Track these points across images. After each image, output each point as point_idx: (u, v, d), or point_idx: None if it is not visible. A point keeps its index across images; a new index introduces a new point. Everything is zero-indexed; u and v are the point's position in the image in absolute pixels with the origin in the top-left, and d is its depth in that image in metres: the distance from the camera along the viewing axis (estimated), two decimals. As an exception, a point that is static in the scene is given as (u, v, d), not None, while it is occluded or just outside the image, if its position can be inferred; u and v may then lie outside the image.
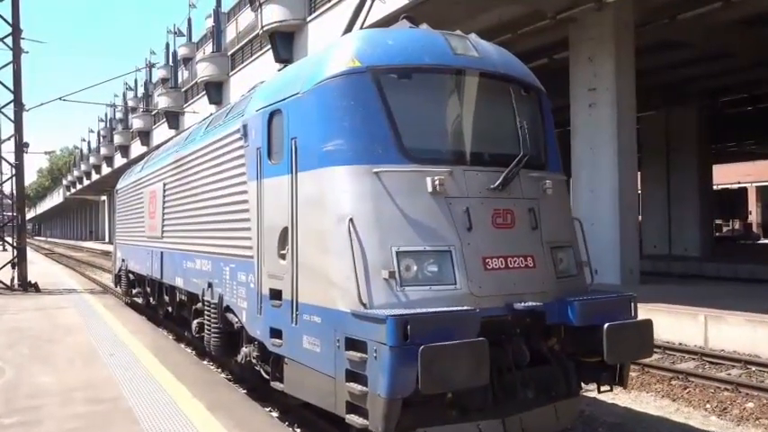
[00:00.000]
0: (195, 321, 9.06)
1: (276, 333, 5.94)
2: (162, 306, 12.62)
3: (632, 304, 5.42)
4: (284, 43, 21.16)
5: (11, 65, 18.58)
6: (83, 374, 7.35)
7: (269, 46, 22.84)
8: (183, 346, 11.13)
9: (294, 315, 5.56)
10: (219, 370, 9.48)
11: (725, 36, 17.22)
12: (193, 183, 8.90)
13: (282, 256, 5.87)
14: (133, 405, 5.98)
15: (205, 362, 9.79)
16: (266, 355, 6.38)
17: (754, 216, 42.52)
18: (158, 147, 24.05)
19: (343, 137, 5.16)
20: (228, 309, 7.39)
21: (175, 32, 38.33)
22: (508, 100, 5.58)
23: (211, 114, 10.50)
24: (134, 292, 14.90)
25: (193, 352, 10.69)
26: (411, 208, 4.97)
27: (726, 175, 39.80)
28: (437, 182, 4.97)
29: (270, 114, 6.18)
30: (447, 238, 4.95)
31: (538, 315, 5.11)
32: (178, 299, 10.43)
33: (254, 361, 6.76)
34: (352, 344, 4.74)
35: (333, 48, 5.71)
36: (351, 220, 4.90)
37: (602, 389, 5.50)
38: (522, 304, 4.92)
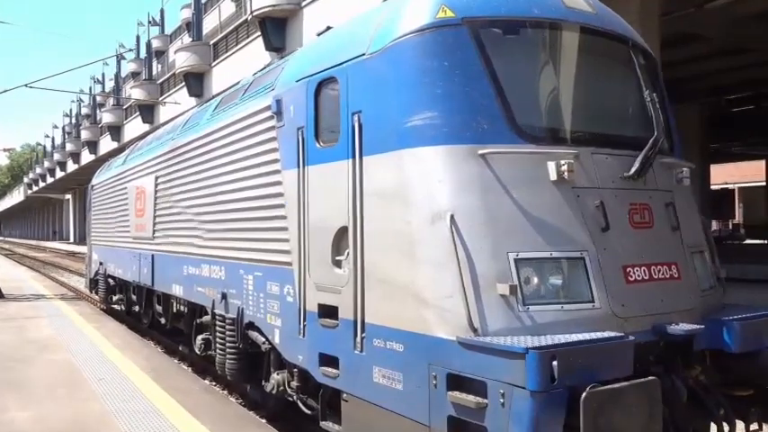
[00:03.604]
0: (200, 337, 7.73)
1: (329, 360, 4.69)
2: (148, 316, 11.21)
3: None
4: (276, 30, 19.71)
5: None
6: (69, 408, 5.94)
7: (257, 34, 21.38)
8: (177, 361, 9.74)
9: (359, 339, 4.32)
10: (226, 392, 8.14)
11: (744, 30, 16.48)
12: (199, 174, 7.54)
13: (338, 264, 4.62)
14: (144, 456, 4.65)
15: (207, 381, 8.45)
16: (311, 387, 5.12)
17: (737, 217, 42.74)
18: (132, 141, 22.43)
19: (436, 108, 3.94)
20: (252, 326, 6.08)
21: (150, 22, 36.46)
22: (632, 67, 4.45)
23: (218, 95, 9.12)
24: (114, 298, 13.40)
25: (190, 368, 9.33)
26: (530, 201, 3.78)
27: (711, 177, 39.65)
28: (564, 167, 3.78)
29: (318, 84, 4.92)
30: (578, 242, 3.77)
31: (684, 339, 3.97)
32: (175, 309, 9.05)
33: (290, 391, 5.48)
34: (460, 383, 3.55)
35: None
36: (452, 217, 3.69)
37: (751, 428, 4.38)
38: (679, 327, 3.77)
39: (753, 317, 4.14)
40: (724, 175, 40.54)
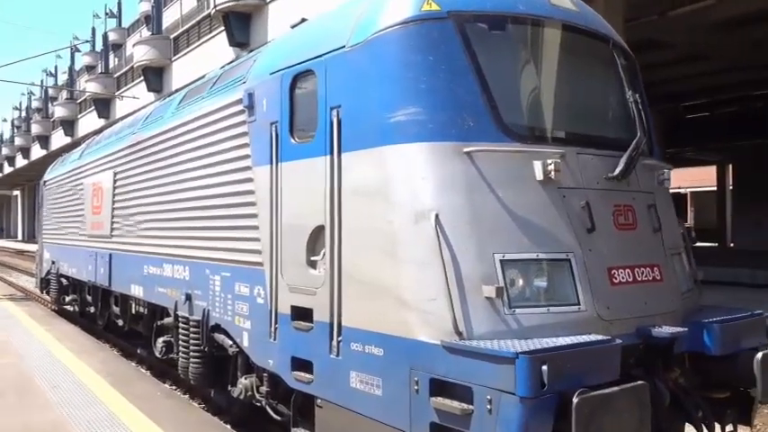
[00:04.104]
0: (161, 340, 7.41)
1: (302, 365, 4.50)
2: (104, 317, 10.76)
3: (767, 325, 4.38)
4: (240, 25, 19.28)
5: None
6: (19, 418, 5.57)
7: (220, 29, 20.90)
8: (135, 365, 9.34)
9: (335, 343, 4.15)
10: (188, 397, 7.84)
11: (707, 37, 16.87)
12: (162, 171, 7.23)
13: (313, 264, 4.45)
14: (104, 468, 4.37)
15: (168, 385, 8.12)
16: (282, 392, 4.92)
17: (688, 221, 44.15)
18: (88, 136, 21.63)
19: (420, 103, 3.81)
20: (218, 328, 5.83)
21: (107, 14, 35.31)
22: (614, 67, 4.41)
23: (182, 88, 8.79)
24: (67, 299, 12.83)
25: (149, 372, 8.96)
26: (515, 201, 3.69)
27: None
28: (550, 167, 3.70)
29: (293, 77, 4.73)
30: (564, 243, 3.69)
31: (666, 342, 3.94)
32: (134, 311, 8.67)
33: (258, 396, 5.26)
34: (443, 388, 3.42)
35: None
36: (437, 216, 3.56)
37: (727, 429, 4.39)
38: (663, 330, 3.74)
39: (731, 319, 4.14)
40: (678, 180, 41.80)
